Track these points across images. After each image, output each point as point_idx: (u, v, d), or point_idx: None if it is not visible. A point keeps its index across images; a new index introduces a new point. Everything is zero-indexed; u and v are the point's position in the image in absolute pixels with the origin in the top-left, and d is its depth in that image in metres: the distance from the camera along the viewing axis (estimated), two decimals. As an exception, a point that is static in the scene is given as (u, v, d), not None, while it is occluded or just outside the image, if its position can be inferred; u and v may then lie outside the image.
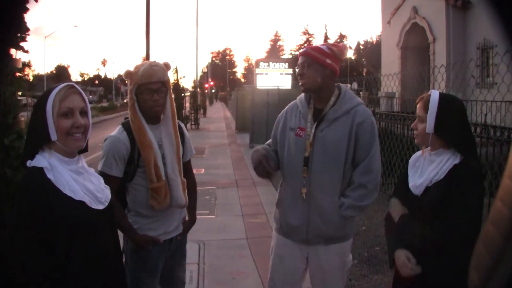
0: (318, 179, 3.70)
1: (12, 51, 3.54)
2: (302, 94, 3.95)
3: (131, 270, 3.73)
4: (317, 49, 3.76)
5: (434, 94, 3.19)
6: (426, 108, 3.17)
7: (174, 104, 3.90)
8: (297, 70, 3.83)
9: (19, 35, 3.52)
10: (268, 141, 4.18)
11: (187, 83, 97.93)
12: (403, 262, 3.09)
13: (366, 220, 8.57)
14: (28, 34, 3.63)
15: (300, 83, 3.80)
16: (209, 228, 8.79)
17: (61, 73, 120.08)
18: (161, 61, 3.78)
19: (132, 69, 3.73)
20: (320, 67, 3.71)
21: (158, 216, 3.77)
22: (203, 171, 14.24)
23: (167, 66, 3.78)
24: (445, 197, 3.05)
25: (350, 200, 3.68)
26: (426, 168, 3.24)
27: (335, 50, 3.76)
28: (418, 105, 3.27)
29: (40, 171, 2.48)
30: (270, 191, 10.49)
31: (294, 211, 3.79)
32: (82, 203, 2.56)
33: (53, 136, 2.54)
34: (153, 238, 3.71)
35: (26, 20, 2.94)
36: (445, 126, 3.12)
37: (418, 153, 3.45)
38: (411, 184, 3.31)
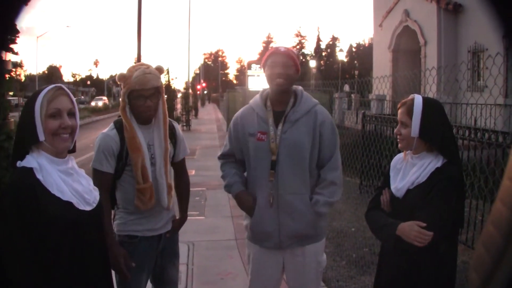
0: (286, 180, 3.71)
1: (2, 53, 3.57)
2: (257, 97, 3.96)
3: None
4: (294, 53, 3.82)
5: (418, 99, 3.24)
6: (409, 113, 3.22)
7: (166, 108, 3.93)
8: (272, 67, 3.76)
9: (8, 37, 3.54)
10: (224, 151, 4.11)
11: (179, 85, 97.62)
12: (418, 230, 3.01)
13: (355, 222, 8.63)
14: (18, 36, 3.66)
15: (279, 82, 3.72)
16: (198, 229, 8.81)
17: (53, 73, 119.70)
18: (153, 63, 3.79)
19: (125, 71, 3.76)
20: (296, 70, 3.79)
21: (145, 213, 3.80)
22: (193, 172, 14.26)
23: (160, 70, 3.82)
24: (424, 199, 3.10)
25: (324, 197, 3.72)
26: (408, 171, 3.29)
27: (298, 55, 3.87)
28: (400, 111, 3.32)
29: (29, 171, 2.51)
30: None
31: (264, 217, 3.78)
32: (69, 204, 2.58)
33: (41, 137, 2.58)
34: (126, 261, 3.66)
35: (16, 22, 2.96)
36: (430, 130, 3.18)
37: (400, 155, 3.49)
38: (392, 186, 3.37)
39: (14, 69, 3.99)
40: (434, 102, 3.32)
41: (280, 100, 3.82)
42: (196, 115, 45.89)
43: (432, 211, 3.05)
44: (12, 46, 3.67)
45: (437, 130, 3.20)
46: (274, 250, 3.85)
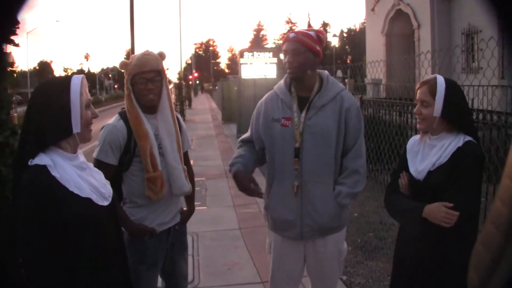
0: (310, 169, 3.62)
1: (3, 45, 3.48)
2: (281, 82, 3.85)
3: (130, 262, 3.68)
4: (307, 35, 3.64)
5: (440, 78, 3.19)
6: (432, 92, 3.16)
7: (171, 93, 3.86)
8: (284, 56, 3.68)
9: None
10: (245, 136, 4.05)
11: (172, 75, 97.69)
12: (446, 211, 2.98)
13: (358, 207, 8.62)
14: (18, 27, 3.56)
15: (289, 71, 3.65)
16: (201, 220, 8.73)
17: (44, 68, 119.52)
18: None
19: (127, 60, 3.73)
20: (311, 55, 3.63)
21: (154, 206, 3.74)
22: (192, 162, 14.19)
23: (161, 56, 3.75)
24: (448, 179, 3.06)
25: (346, 187, 3.62)
26: (428, 153, 3.25)
27: (321, 37, 3.71)
28: (420, 90, 3.25)
29: (43, 169, 2.40)
30: (260, 181, 10.47)
31: (286, 206, 3.70)
32: (89, 200, 2.50)
33: (76, 128, 2.50)
34: (148, 228, 3.68)
35: (18, 13, 2.87)
36: (453, 110, 3.14)
37: (416, 137, 3.45)
38: (412, 169, 3.31)
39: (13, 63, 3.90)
40: (455, 83, 3.27)
41: (303, 85, 3.71)
42: (190, 105, 45.85)
43: (458, 191, 3.02)
44: (12, 37, 3.58)
45: (459, 109, 3.17)
46: (295, 240, 3.77)
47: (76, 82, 2.53)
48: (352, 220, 8.12)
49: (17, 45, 3.63)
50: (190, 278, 6.08)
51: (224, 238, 7.96)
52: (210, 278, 6.33)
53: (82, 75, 2.63)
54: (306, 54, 3.61)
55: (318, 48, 3.66)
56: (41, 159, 2.42)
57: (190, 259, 6.74)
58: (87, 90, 2.62)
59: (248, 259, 6.87)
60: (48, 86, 2.60)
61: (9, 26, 3.19)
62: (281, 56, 3.76)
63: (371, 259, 6.58)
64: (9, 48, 3.64)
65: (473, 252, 1.57)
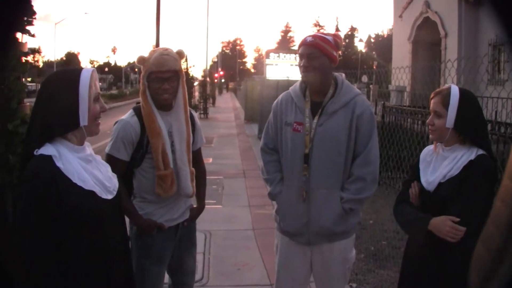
0: (318, 175, 3.59)
1: (18, 35, 3.49)
2: (296, 85, 3.79)
3: (136, 257, 3.67)
4: (325, 40, 3.59)
5: (454, 89, 3.13)
6: (444, 103, 3.11)
7: (186, 93, 3.84)
8: (300, 59, 3.64)
9: (25, 18, 3.45)
10: (268, 142, 3.89)
11: (197, 72, 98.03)
12: (451, 226, 2.94)
13: (373, 214, 8.55)
14: (35, 18, 3.57)
15: (303, 75, 3.60)
16: (215, 218, 8.72)
17: (71, 60, 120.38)
18: (173, 48, 3.72)
19: (145, 55, 3.69)
20: (327, 60, 3.58)
21: (163, 202, 3.73)
22: (211, 160, 14.23)
23: (180, 55, 3.71)
24: (458, 192, 3.02)
25: (349, 193, 3.57)
26: (439, 164, 3.20)
27: (338, 42, 3.66)
28: (433, 100, 3.21)
29: (48, 159, 2.40)
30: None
31: (294, 212, 3.67)
32: (92, 193, 2.49)
33: (83, 121, 2.50)
34: (157, 224, 3.67)
35: (32, 3, 2.87)
36: (465, 121, 3.08)
37: (430, 147, 3.39)
38: (423, 179, 3.27)
39: (32, 55, 3.90)
40: (470, 94, 3.23)
41: (318, 90, 3.66)
42: (213, 103, 45.92)
43: (465, 205, 2.97)
44: (28, 28, 3.58)
45: (472, 121, 3.11)
46: (303, 245, 3.74)
47: (86, 75, 2.53)
48: (366, 227, 8.07)
49: (32, 35, 3.65)
50: (199, 276, 6.10)
51: (237, 238, 7.92)
52: (219, 277, 6.30)
53: (92, 68, 2.63)
54: (322, 59, 3.55)
55: (334, 53, 3.61)
56: (46, 149, 2.42)
57: (201, 257, 6.78)
58: (97, 83, 2.62)
59: (259, 261, 6.82)
60: (57, 78, 2.60)
61: (23, 15, 3.19)
62: (297, 59, 3.72)
63: (382, 267, 6.49)
64: (24, 38, 3.66)
65: (474, 253, 1.55)
